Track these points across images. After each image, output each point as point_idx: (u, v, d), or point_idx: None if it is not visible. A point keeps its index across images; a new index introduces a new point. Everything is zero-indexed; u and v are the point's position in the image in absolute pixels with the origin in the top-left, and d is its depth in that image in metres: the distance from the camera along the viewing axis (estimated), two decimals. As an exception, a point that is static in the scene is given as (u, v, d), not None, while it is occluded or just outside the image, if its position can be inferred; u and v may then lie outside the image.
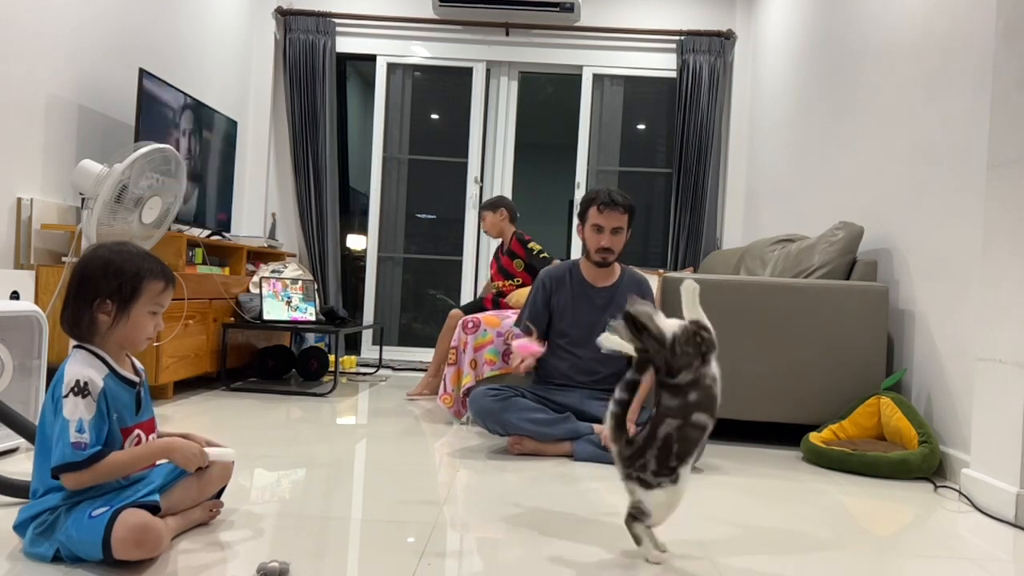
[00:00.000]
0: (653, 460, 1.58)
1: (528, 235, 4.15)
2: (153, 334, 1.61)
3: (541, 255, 4.04)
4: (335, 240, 5.32)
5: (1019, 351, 2.11)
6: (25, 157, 3.07)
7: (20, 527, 1.50)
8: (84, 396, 1.47)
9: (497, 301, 4.06)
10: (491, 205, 4.21)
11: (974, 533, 1.99)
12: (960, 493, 2.35)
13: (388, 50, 5.43)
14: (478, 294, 4.43)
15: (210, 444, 1.70)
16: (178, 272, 3.41)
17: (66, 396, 1.46)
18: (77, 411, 1.46)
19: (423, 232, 5.72)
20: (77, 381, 1.47)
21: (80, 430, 1.45)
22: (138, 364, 1.68)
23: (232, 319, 3.98)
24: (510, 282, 4.13)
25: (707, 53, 5.20)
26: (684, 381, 1.59)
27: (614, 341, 1.64)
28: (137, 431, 1.59)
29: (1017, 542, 1.94)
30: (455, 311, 4.02)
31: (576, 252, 5.43)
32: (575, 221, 5.24)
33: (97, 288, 1.53)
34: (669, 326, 1.61)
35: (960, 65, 2.69)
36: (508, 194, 5.46)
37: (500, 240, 4.29)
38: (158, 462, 1.66)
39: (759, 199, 4.99)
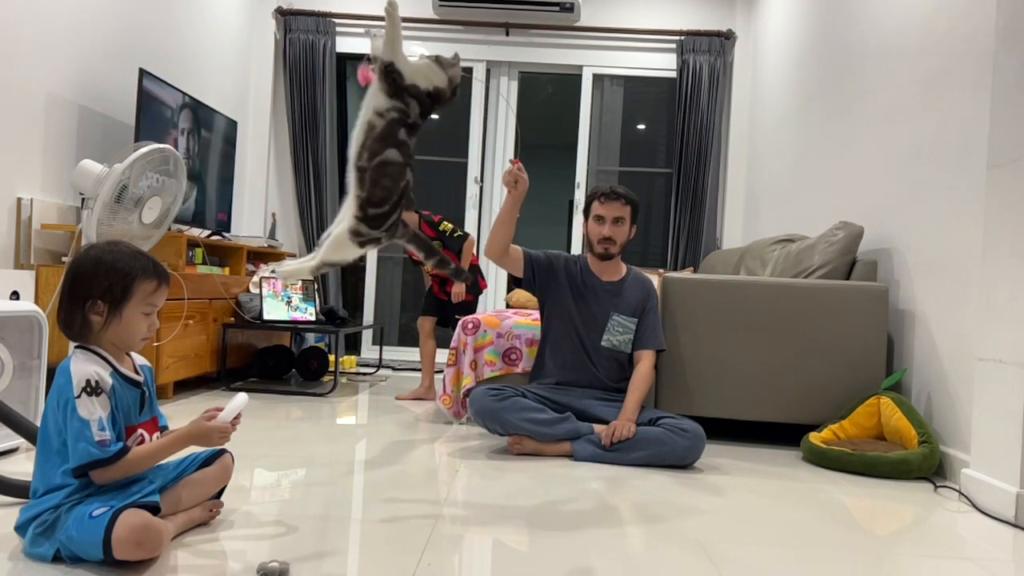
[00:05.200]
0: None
1: (437, 215, 3.95)
2: (148, 334, 1.60)
3: (455, 234, 3.88)
4: (335, 240, 5.31)
5: (1019, 351, 2.11)
6: (25, 157, 3.07)
7: (22, 527, 1.50)
8: (98, 394, 1.47)
9: (443, 286, 3.98)
10: None
11: (974, 533, 1.99)
12: (960, 493, 2.35)
13: (388, 50, 5.42)
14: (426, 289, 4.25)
15: (218, 409, 1.65)
16: (178, 272, 3.41)
17: (79, 397, 1.46)
18: (95, 410, 1.46)
19: (423, 232, 5.71)
20: (88, 380, 1.47)
21: (102, 428, 1.46)
22: (140, 360, 1.67)
23: (232, 319, 3.98)
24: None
25: (707, 53, 5.20)
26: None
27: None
28: (140, 430, 1.59)
29: (1017, 542, 1.94)
30: (423, 318, 4.02)
31: (576, 252, 5.43)
32: (575, 220, 5.21)
33: (88, 289, 1.52)
34: (425, 72, 1.77)
35: (960, 65, 2.69)
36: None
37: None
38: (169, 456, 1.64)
39: (759, 199, 4.99)
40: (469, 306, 3.96)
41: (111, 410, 1.50)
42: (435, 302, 4.06)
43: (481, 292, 4.12)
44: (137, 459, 1.52)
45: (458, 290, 3.88)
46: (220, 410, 1.63)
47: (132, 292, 1.54)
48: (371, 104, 1.79)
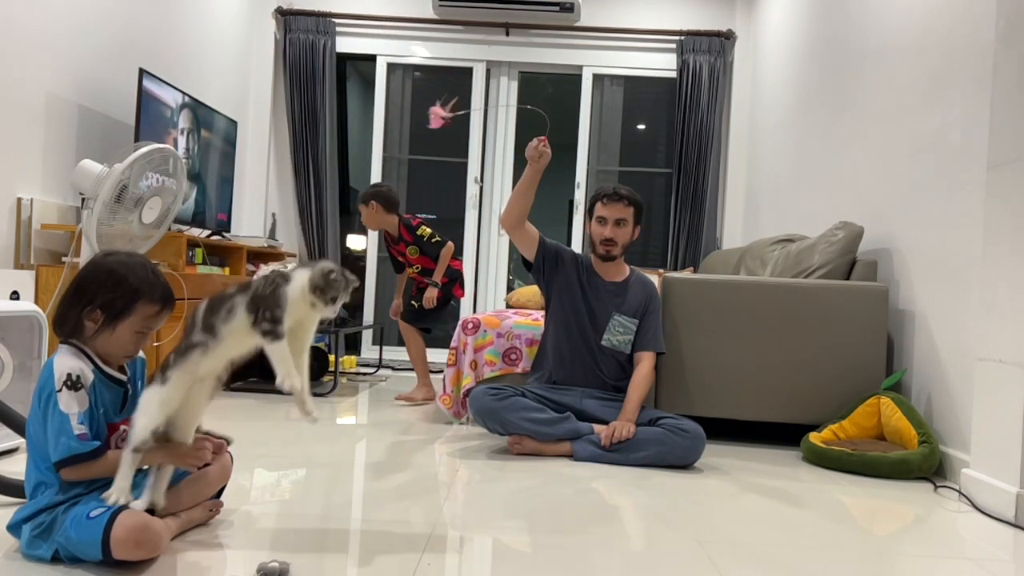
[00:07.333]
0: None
1: (416, 218, 3.90)
2: (135, 353, 1.59)
3: (433, 240, 3.82)
4: (335, 240, 5.32)
5: (1019, 351, 2.11)
6: (25, 157, 3.07)
7: (14, 528, 1.50)
8: (77, 389, 1.48)
9: (420, 291, 3.92)
10: (363, 199, 3.84)
11: (974, 533, 1.99)
12: (960, 493, 2.35)
13: (388, 50, 5.43)
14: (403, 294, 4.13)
15: (208, 435, 1.67)
16: (178, 272, 3.41)
17: (59, 391, 1.46)
18: (73, 404, 1.46)
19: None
20: (69, 375, 1.47)
21: (81, 422, 1.46)
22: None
23: (232, 319, 3.96)
24: (412, 269, 3.96)
25: (707, 53, 5.20)
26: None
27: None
28: (123, 427, 1.58)
29: (1017, 542, 1.94)
30: (402, 322, 3.97)
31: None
32: (575, 220, 5.20)
33: (93, 295, 1.52)
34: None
35: (960, 65, 2.69)
36: (508, 193, 5.46)
37: (386, 231, 3.97)
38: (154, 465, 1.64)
39: (759, 199, 4.99)
40: (438, 308, 3.92)
41: (89, 406, 1.49)
42: (413, 309, 3.99)
43: (453, 299, 4.05)
44: (114, 461, 1.50)
45: (429, 295, 3.85)
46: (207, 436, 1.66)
47: (132, 311, 1.53)
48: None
